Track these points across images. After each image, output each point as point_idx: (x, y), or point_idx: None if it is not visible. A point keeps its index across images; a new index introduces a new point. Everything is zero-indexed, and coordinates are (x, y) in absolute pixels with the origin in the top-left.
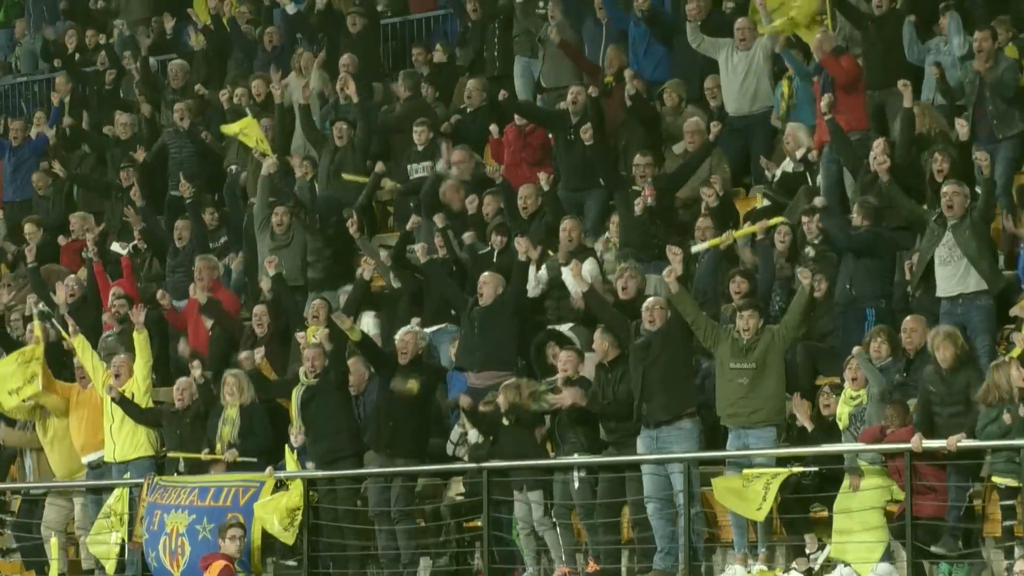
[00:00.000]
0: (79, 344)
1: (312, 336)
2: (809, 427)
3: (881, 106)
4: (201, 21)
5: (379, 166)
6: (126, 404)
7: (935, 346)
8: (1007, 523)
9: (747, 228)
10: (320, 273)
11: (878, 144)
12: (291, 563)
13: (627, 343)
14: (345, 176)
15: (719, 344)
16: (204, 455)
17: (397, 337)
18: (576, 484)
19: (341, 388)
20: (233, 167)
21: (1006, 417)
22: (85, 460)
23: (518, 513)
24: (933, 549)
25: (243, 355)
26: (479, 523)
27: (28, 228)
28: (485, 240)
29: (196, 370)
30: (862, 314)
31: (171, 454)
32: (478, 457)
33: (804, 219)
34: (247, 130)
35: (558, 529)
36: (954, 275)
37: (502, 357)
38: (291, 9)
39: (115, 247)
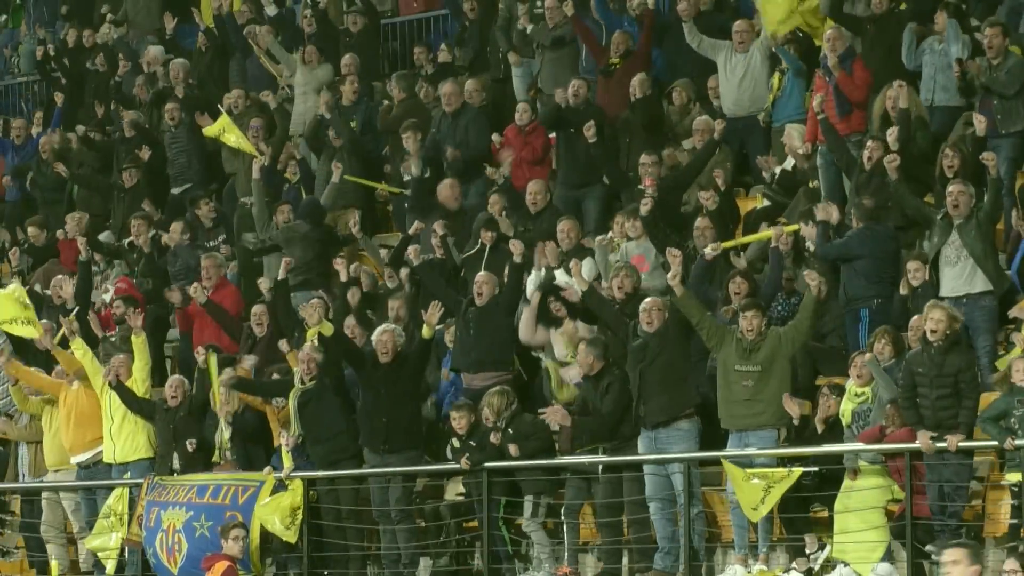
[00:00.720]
0: (78, 346)
1: (310, 338)
2: (797, 420)
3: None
4: (203, 23)
5: (381, 189)
6: (123, 391)
7: (926, 318)
8: (1013, 521)
9: (762, 234)
10: (295, 279)
11: (890, 133)
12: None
13: (612, 355)
14: (348, 177)
15: (723, 346)
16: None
17: (374, 337)
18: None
19: (337, 390)
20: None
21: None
22: (74, 460)
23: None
24: (929, 551)
25: (224, 376)
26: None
27: (31, 231)
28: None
29: (201, 355)
30: (856, 315)
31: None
32: (476, 461)
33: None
34: (226, 129)
35: (565, 528)
36: (960, 275)
37: (498, 358)
38: (271, 11)
39: (106, 296)
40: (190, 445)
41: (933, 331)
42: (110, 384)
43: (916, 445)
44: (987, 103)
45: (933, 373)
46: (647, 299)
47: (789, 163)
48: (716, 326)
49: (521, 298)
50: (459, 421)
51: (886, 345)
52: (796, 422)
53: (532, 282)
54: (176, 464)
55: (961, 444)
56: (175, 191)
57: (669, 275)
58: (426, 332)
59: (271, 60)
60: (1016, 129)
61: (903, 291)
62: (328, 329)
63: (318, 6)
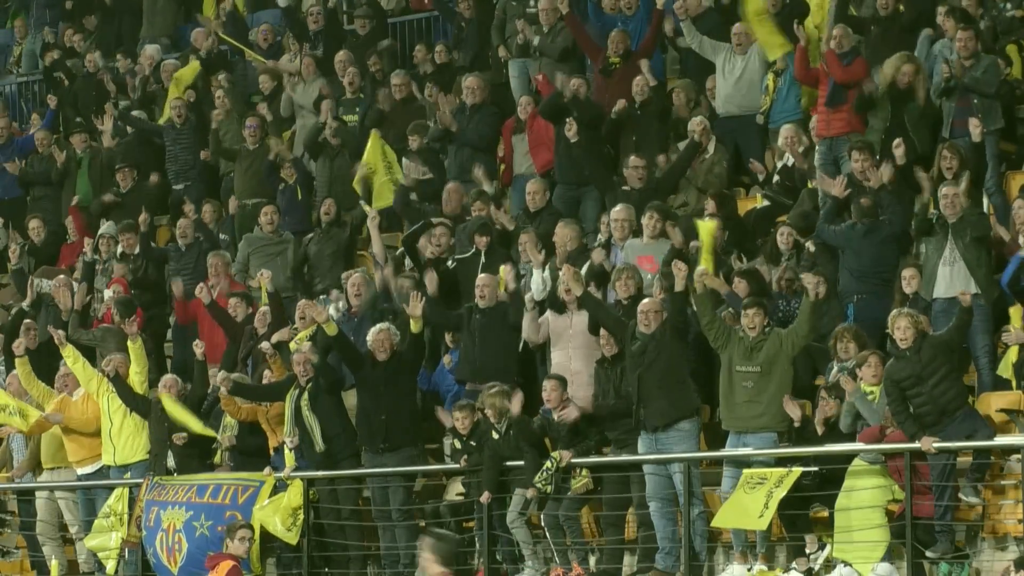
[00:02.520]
0: (69, 354)
1: (303, 340)
2: (798, 423)
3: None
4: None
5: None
6: (120, 383)
7: (893, 328)
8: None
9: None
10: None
11: (897, 145)
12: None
13: (626, 343)
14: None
15: (728, 345)
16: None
17: (370, 337)
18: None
19: (333, 392)
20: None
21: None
22: (80, 472)
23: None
24: (928, 553)
25: (220, 376)
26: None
27: (33, 224)
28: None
29: (199, 348)
30: (845, 311)
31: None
32: (472, 463)
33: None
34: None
35: (567, 528)
36: (957, 275)
37: (502, 366)
38: (283, 2)
39: (108, 294)
40: (179, 439)
41: (903, 339)
42: (108, 376)
43: (916, 445)
44: (964, 102)
45: (919, 369)
46: (646, 300)
47: (787, 163)
48: (724, 327)
49: (523, 305)
50: (462, 421)
51: (849, 343)
52: (797, 424)
53: (535, 284)
54: (171, 462)
55: (960, 444)
56: (177, 187)
57: (697, 272)
58: (414, 327)
59: (261, 58)
60: (996, 127)
61: (897, 296)
62: (332, 329)
63: (326, 3)
